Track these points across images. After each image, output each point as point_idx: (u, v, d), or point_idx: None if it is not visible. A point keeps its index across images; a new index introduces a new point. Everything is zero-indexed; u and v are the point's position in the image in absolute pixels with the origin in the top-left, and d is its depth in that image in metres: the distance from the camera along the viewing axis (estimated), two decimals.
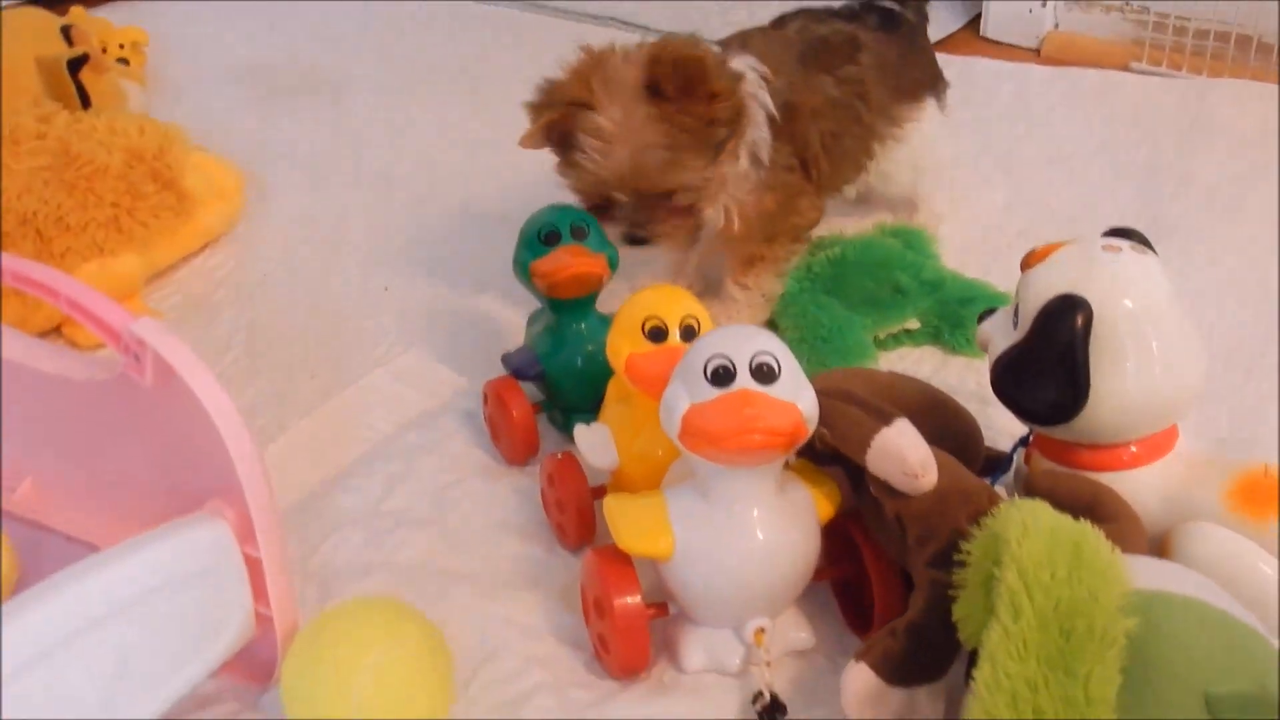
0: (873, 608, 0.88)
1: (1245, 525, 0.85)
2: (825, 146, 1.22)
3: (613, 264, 1.06)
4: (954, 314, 1.20)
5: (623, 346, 0.94)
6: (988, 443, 0.99)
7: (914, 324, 1.21)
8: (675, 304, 0.94)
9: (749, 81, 1.16)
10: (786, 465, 0.90)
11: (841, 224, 1.37)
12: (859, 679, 0.81)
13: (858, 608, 0.92)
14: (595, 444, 0.97)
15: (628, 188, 1.10)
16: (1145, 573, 0.76)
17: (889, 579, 0.88)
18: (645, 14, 2.01)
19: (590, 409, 1.02)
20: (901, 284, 1.21)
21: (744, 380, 0.81)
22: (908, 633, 0.81)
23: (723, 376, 0.81)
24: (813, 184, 1.23)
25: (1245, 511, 0.85)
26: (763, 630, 0.87)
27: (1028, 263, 0.90)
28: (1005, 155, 1.58)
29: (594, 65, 1.10)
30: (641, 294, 0.95)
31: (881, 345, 1.21)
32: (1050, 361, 0.86)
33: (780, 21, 1.31)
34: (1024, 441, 0.95)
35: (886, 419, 0.83)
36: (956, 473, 0.86)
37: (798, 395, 0.82)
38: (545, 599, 0.96)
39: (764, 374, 0.82)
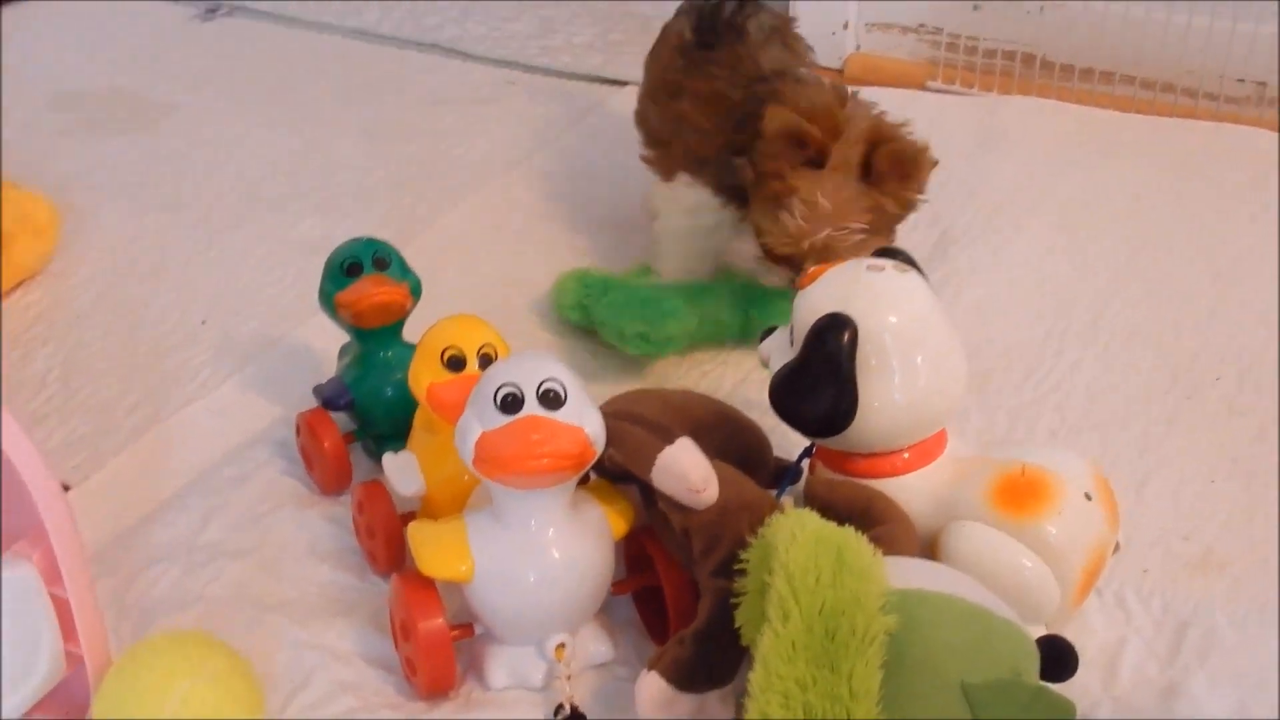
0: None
1: (1006, 522, 0.91)
2: None
3: (415, 292, 1.09)
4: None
5: (423, 375, 0.97)
6: (784, 453, 1.05)
7: (724, 320, 1.28)
8: (473, 333, 0.98)
9: None
10: (584, 484, 0.94)
11: None
12: (651, 687, 0.85)
13: (658, 618, 0.97)
14: (402, 471, 0.99)
15: (815, 257, 1.13)
16: (904, 572, 0.81)
17: (682, 589, 0.92)
18: (467, 42, 2.04)
19: (401, 436, 1.05)
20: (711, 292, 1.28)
21: (531, 406, 0.85)
22: (695, 640, 0.86)
23: (511, 404, 0.85)
24: None
25: (1005, 509, 0.91)
26: (563, 646, 0.91)
27: (801, 284, 0.96)
28: None
29: (836, 129, 1.13)
30: (440, 324, 0.99)
31: (693, 340, 1.26)
32: (821, 377, 0.91)
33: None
34: (809, 452, 1.01)
35: (669, 438, 0.88)
36: (740, 485, 0.91)
37: (584, 419, 0.87)
38: (357, 624, 0.98)
39: (550, 400, 0.86)
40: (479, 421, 0.86)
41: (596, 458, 0.88)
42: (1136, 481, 1.12)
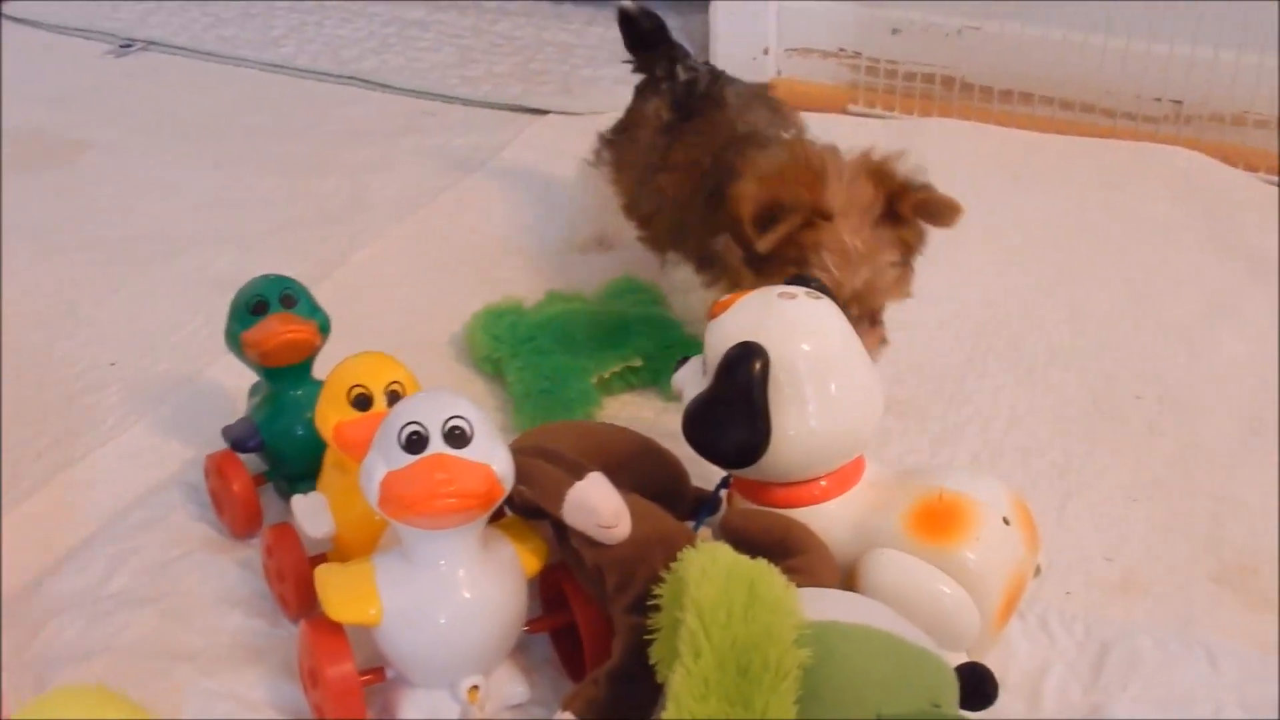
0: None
1: (924, 549, 0.90)
2: None
3: (324, 329, 1.06)
4: (674, 356, 1.24)
5: (330, 415, 0.95)
6: (704, 483, 1.03)
7: (636, 361, 1.25)
8: (380, 370, 0.96)
9: None
10: (497, 521, 0.93)
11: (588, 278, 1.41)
12: None
13: (577, 657, 0.95)
14: (311, 513, 0.97)
15: (858, 302, 1.09)
16: (820, 604, 0.80)
17: (597, 627, 0.91)
18: (385, 73, 2.02)
19: (314, 476, 1.03)
20: (627, 318, 1.26)
21: (437, 445, 0.83)
22: (609, 679, 0.84)
23: (416, 443, 0.83)
24: None
25: (923, 536, 0.90)
26: (476, 688, 0.88)
27: (713, 313, 0.95)
28: None
29: (818, 176, 1.08)
30: (346, 361, 0.97)
31: (607, 387, 1.24)
32: (733, 407, 0.90)
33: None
34: (726, 483, 0.99)
35: (580, 473, 0.87)
36: (654, 519, 0.90)
37: (491, 456, 0.85)
38: (268, 672, 0.96)
39: (456, 438, 0.84)
40: (384, 461, 0.84)
41: (505, 495, 0.86)
42: (1057, 503, 1.12)
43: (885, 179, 1.09)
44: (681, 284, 1.25)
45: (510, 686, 0.92)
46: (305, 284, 1.09)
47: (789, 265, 1.07)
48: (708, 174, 1.19)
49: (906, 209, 1.09)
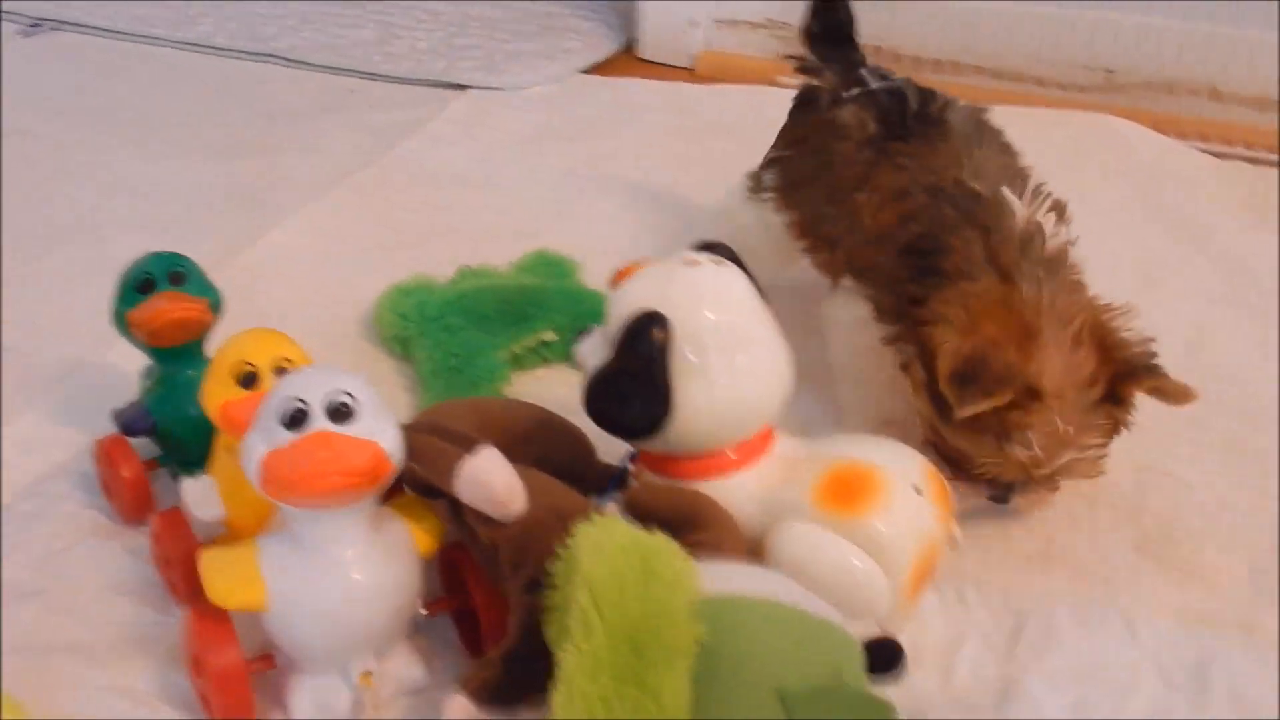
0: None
1: (833, 520, 0.87)
2: None
3: (215, 307, 1.02)
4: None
5: (216, 394, 0.91)
6: (613, 458, 1.00)
7: (549, 336, 1.21)
8: (267, 347, 0.92)
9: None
10: (391, 500, 0.89)
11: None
12: (457, 709, 0.81)
13: (479, 639, 0.92)
14: (200, 497, 0.93)
15: (1048, 481, 1.00)
16: (718, 578, 0.77)
17: (495, 608, 0.87)
18: (305, 51, 1.97)
19: (207, 460, 0.99)
20: (540, 292, 1.22)
21: (320, 422, 0.80)
22: (504, 659, 0.81)
23: (298, 419, 0.80)
24: None
25: (832, 507, 0.88)
26: (370, 673, 0.85)
27: (615, 281, 0.92)
28: (660, 168, 1.62)
29: (1033, 338, 0.95)
30: (233, 338, 0.93)
31: (519, 363, 1.21)
32: (634, 378, 0.87)
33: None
34: (633, 456, 0.96)
35: (471, 448, 0.83)
36: (553, 495, 0.86)
37: (378, 433, 0.81)
38: (155, 662, 0.92)
39: (340, 414, 0.80)
40: (264, 440, 0.80)
41: (395, 473, 0.83)
42: None
43: (1112, 353, 0.97)
44: (847, 320, 1.11)
45: (408, 670, 0.89)
46: (212, 266, 1.05)
47: (984, 433, 0.97)
48: (915, 216, 1.05)
49: (1131, 393, 0.98)
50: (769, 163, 1.25)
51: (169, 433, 1.04)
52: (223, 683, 0.82)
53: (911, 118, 1.11)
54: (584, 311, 1.22)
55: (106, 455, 1.03)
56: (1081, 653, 0.92)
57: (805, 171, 1.20)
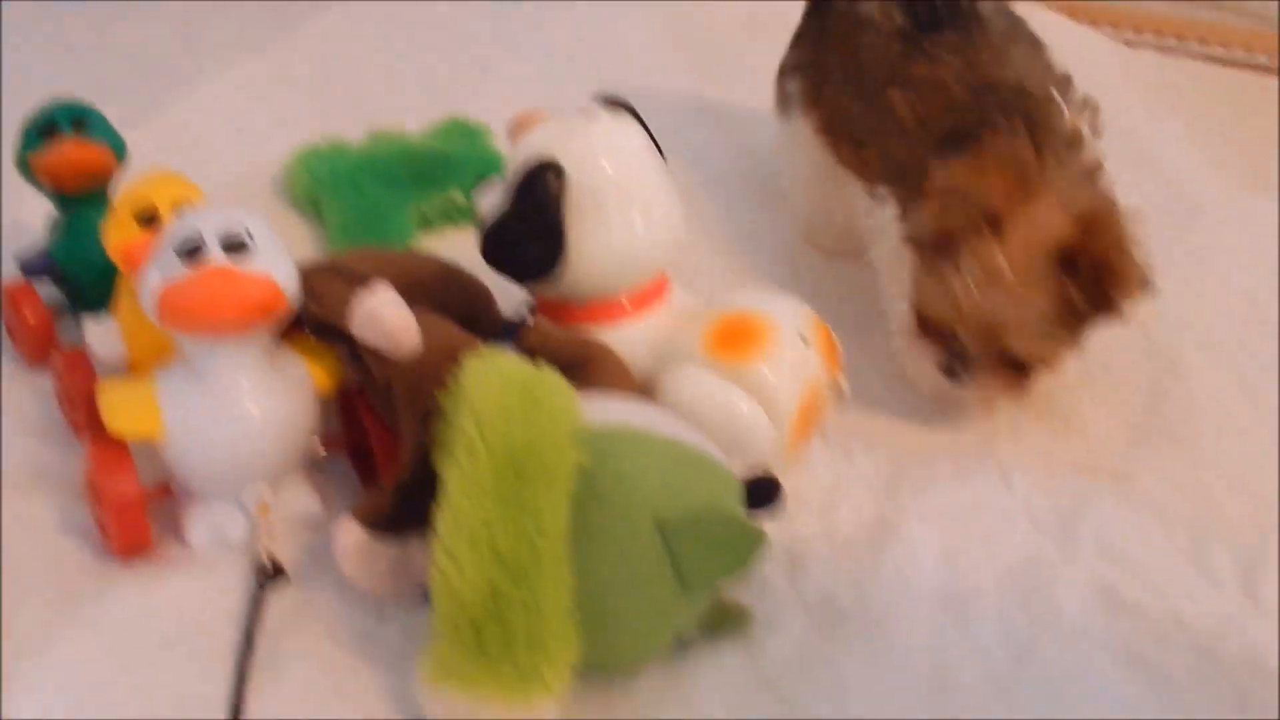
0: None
1: (721, 365, 0.91)
2: None
3: (118, 153, 1.03)
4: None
5: (117, 234, 0.92)
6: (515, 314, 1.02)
7: (459, 198, 1.23)
8: (168, 189, 0.93)
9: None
10: (291, 340, 0.91)
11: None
12: (347, 535, 0.83)
13: (375, 477, 0.94)
14: (102, 336, 0.95)
15: (986, 335, 0.96)
16: (602, 410, 0.80)
17: (390, 444, 0.90)
18: None
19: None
20: (451, 155, 1.23)
21: (215, 255, 0.81)
22: (395, 489, 0.84)
23: (192, 253, 0.81)
24: None
25: (720, 353, 0.91)
26: (265, 502, 0.87)
27: (513, 131, 0.93)
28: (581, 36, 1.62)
29: (1021, 185, 0.93)
30: (134, 180, 0.94)
31: (428, 224, 1.22)
32: (529, 222, 0.89)
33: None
34: (531, 307, 0.98)
35: (367, 285, 0.85)
36: (446, 334, 0.88)
37: (273, 268, 0.83)
38: (56, 494, 0.94)
39: (235, 248, 0.82)
40: (160, 272, 0.82)
41: (289, 309, 0.84)
42: (866, 328, 1.12)
43: (1096, 230, 0.93)
44: (886, 228, 1.06)
45: (304, 503, 0.91)
46: (122, 129, 1.05)
47: (941, 254, 0.95)
48: (956, 108, 1.01)
49: (1085, 261, 0.93)
50: (790, 69, 1.19)
51: (73, 277, 1.05)
52: (119, 511, 0.85)
53: (940, 7, 1.06)
54: (494, 175, 1.23)
55: (11, 300, 1.04)
56: (957, 500, 0.96)
57: (830, 69, 1.13)
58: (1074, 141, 0.98)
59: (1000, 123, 0.96)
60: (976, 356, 0.97)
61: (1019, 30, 1.08)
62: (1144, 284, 0.95)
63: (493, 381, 0.76)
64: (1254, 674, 0.84)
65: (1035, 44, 1.08)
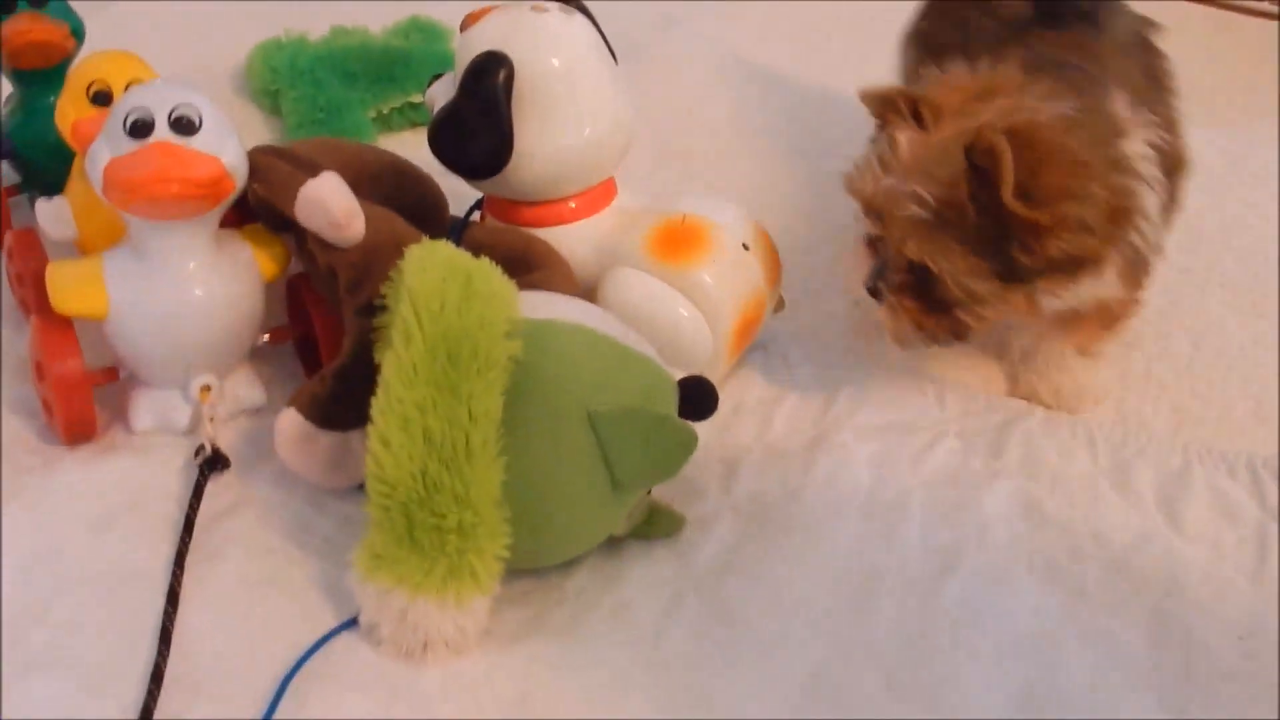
0: None
1: (662, 268, 0.92)
2: None
3: (77, 33, 1.02)
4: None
5: (69, 112, 0.92)
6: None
7: (417, 98, 1.23)
8: (122, 67, 0.93)
9: (1142, 167, 0.89)
10: (239, 228, 0.91)
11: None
12: (288, 423, 0.84)
13: (320, 367, 0.95)
14: (53, 216, 0.95)
15: (881, 222, 0.89)
16: (540, 305, 0.81)
17: (334, 334, 0.90)
18: None
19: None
20: (410, 54, 1.23)
21: (163, 133, 0.82)
22: (335, 377, 0.85)
23: (141, 129, 0.82)
24: None
25: (662, 256, 0.92)
26: (208, 388, 0.88)
27: (465, 25, 0.93)
28: None
29: (982, 96, 0.88)
30: (87, 58, 0.95)
31: (386, 123, 1.22)
32: (477, 115, 0.89)
33: None
34: (479, 204, 0.99)
35: (314, 172, 0.86)
36: (393, 227, 0.89)
37: (221, 148, 0.83)
38: (6, 373, 0.95)
39: (183, 126, 0.82)
40: (109, 148, 0.82)
41: (237, 190, 0.85)
42: (813, 242, 1.13)
43: (1021, 141, 0.82)
44: None
45: (248, 391, 0.92)
46: (87, 14, 1.05)
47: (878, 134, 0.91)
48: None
49: (995, 175, 0.82)
50: (910, 37, 1.14)
51: (27, 157, 1.05)
52: (63, 389, 0.86)
53: (1066, 6, 1.00)
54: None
55: None
56: (890, 413, 0.98)
57: (944, 41, 1.06)
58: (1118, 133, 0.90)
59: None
60: (893, 269, 0.90)
61: (1134, 42, 1.03)
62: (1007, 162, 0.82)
63: (431, 269, 0.77)
64: (1168, 591, 0.86)
65: (1149, 61, 1.03)
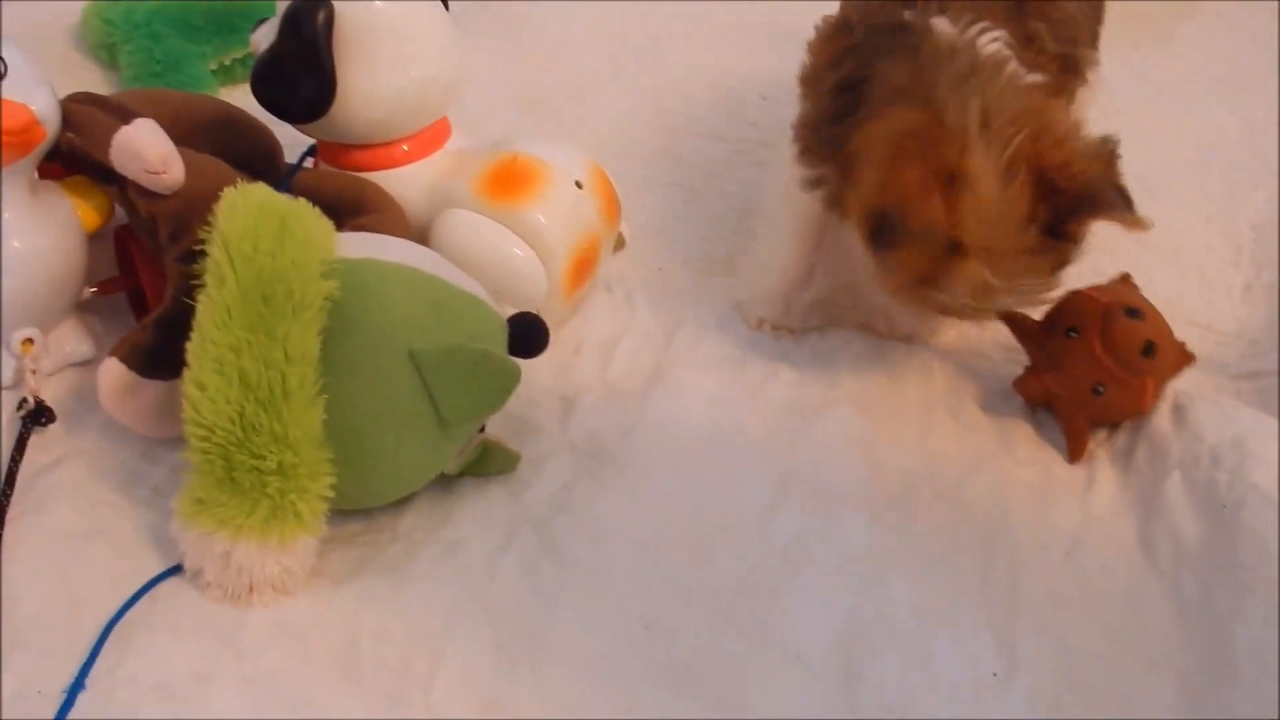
0: None
1: (494, 209, 0.91)
2: None
3: None
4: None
5: None
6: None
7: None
8: None
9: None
10: (62, 180, 0.89)
11: None
12: (110, 373, 0.83)
13: None
14: None
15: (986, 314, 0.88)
16: (362, 246, 0.80)
17: (160, 285, 0.89)
18: None
19: None
20: (251, 5, 1.21)
21: None
22: (157, 325, 0.83)
23: None
24: None
25: (493, 196, 0.92)
26: (30, 340, 0.87)
27: None
28: None
29: (955, 179, 0.81)
30: None
31: (227, 74, 1.21)
32: (297, 60, 0.88)
33: None
34: (312, 151, 0.98)
35: (127, 118, 0.84)
36: (216, 175, 0.88)
37: (30, 96, 0.82)
38: None
39: None
40: None
41: (48, 139, 0.83)
42: (660, 183, 1.13)
43: (1053, 182, 0.81)
44: (780, 166, 0.98)
45: (74, 344, 0.91)
46: None
47: (920, 286, 0.85)
48: (852, 50, 0.92)
49: (1078, 230, 0.83)
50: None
51: None
52: None
53: None
54: None
55: None
56: (727, 350, 0.99)
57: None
58: (954, 53, 0.86)
59: (877, 64, 0.88)
60: (902, 224, 0.83)
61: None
62: (1139, 224, 0.81)
63: (244, 211, 0.76)
64: (1000, 518, 0.87)
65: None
